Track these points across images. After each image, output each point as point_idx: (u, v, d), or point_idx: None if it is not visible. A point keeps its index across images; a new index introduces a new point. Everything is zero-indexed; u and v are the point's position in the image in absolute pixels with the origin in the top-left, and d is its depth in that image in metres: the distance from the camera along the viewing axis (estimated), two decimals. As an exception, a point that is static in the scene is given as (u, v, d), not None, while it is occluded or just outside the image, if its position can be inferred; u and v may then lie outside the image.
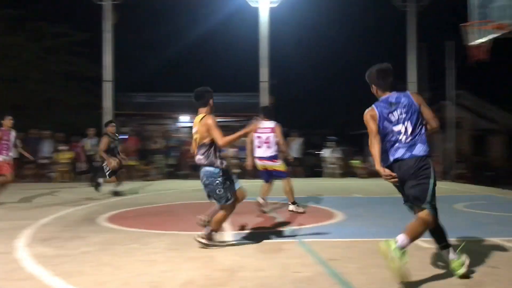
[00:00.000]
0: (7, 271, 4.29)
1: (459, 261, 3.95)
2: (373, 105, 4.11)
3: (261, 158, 7.62)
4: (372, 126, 4.00)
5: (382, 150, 3.97)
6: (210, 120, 4.95)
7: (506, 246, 5.17)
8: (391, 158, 3.95)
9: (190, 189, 12.06)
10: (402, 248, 3.66)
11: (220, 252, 5.00)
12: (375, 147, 3.94)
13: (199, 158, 5.09)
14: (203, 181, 5.15)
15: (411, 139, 3.91)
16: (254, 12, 17.81)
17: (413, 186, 3.86)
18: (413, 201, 3.92)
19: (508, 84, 33.97)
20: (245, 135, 5.29)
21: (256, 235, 5.86)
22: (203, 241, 5.12)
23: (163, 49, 34.64)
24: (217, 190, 5.06)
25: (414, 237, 3.80)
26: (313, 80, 39.49)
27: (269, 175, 7.77)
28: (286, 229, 6.25)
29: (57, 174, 15.06)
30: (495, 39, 8.98)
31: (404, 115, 3.95)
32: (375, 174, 17.16)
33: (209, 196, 5.25)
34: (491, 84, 32.32)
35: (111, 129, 10.24)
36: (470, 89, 25.15)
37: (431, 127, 4.05)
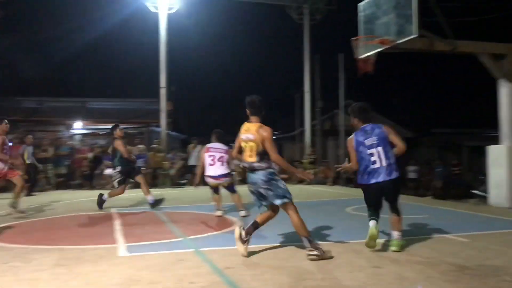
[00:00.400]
0: None
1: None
2: (353, 134, 5.40)
3: (213, 177, 8.07)
4: (352, 156, 5.37)
5: (360, 170, 5.28)
6: (267, 133, 5.04)
7: (390, 247, 5.54)
8: (374, 180, 5.19)
9: (82, 200, 11.44)
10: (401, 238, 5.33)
11: (113, 266, 4.77)
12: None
13: (258, 164, 5.06)
14: (260, 186, 5.05)
15: (386, 166, 5.16)
16: (154, 18, 17.50)
17: (392, 196, 5.35)
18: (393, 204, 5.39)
19: (391, 94, 36.82)
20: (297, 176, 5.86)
21: (152, 246, 5.69)
22: (315, 252, 4.91)
23: (55, 52, 32.70)
24: (278, 188, 5.03)
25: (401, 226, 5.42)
26: (215, 87, 39.72)
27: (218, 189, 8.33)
28: (183, 239, 6.16)
29: None
30: (380, 53, 9.65)
31: (376, 142, 5.18)
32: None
33: (265, 199, 5.12)
34: (377, 95, 34.83)
35: (119, 132, 9.40)
36: (359, 99, 26.86)
37: (398, 149, 5.30)
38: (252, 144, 5.06)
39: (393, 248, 5.23)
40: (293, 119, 25.00)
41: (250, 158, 5.09)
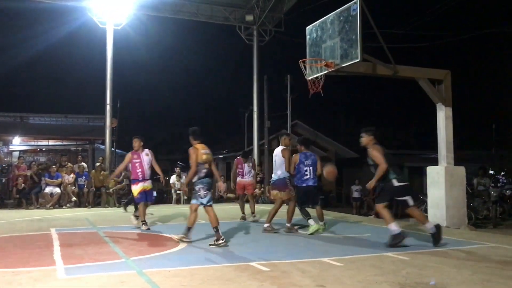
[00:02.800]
0: None
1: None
2: (298, 154, 8.44)
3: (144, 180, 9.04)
4: (293, 165, 8.35)
5: (297, 177, 8.35)
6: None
7: (334, 264, 5.62)
8: (304, 184, 8.30)
9: (19, 219, 10.87)
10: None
11: (49, 290, 4.54)
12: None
13: None
14: None
15: (313, 176, 8.32)
16: (101, 33, 17.17)
17: (315, 197, 8.60)
18: (314, 204, 8.71)
19: (337, 117, 37.80)
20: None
21: (93, 268, 5.48)
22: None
23: (-7, 64, 31.31)
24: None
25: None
26: (162, 104, 39.28)
27: (145, 197, 9.04)
28: (126, 260, 5.96)
29: None
30: (326, 75, 9.90)
31: (310, 163, 8.34)
32: (218, 200, 17.46)
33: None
34: (323, 116, 35.70)
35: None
36: (305, 119, 27.43)
37: (319, 172, 8.48)
38: None
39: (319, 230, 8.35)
40: (242, 138, 25.09)
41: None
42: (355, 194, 19.53)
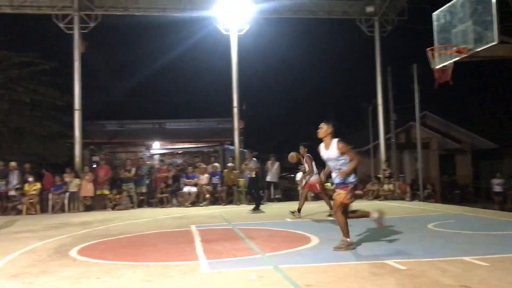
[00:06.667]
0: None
1: None
2: None
3: None
4: None
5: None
6: None
7: (478, 264, 5.26)
8: None
9: (163, 217, 11.89)
10: None
11: (196, 283, 4.92)
12: None
13: None
14: None
15: None
16: (225, 40, 18.01)
17: None
18: None
19: (470, 105, 35.04)
20: None
21: (232, 263, 5.80)
22: None
23: (133, 77, 34.53)
24: None
25: None
26: (284, 103, 40.02)
27: None
28: (262, 256, 6.21)
29: (25, 206, 14.57)
30: (456, 62, 9.31)
31: None
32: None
33: None
34: (454, 105, 33.33)
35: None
36: (435, 110, 25.90)
37: None
38: None
39: None
40: (367, 133, 24.52)
41: None
42: (497, 188, 17.92)
